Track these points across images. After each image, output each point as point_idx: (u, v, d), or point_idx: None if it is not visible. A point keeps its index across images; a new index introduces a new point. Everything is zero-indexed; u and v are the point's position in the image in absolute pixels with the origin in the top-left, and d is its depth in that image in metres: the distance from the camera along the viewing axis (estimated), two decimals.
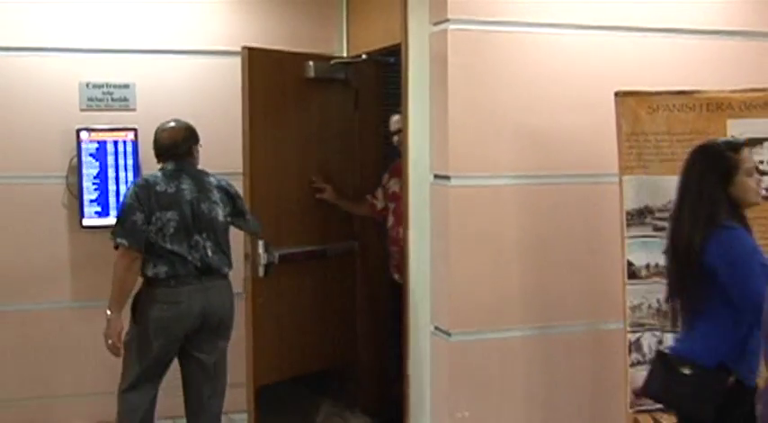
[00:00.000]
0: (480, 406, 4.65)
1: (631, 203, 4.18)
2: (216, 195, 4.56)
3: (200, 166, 4.73)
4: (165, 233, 4.38)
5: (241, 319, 5.02)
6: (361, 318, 5.80)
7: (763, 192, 3.93)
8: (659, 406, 4.08)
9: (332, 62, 5.50)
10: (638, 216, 4.18)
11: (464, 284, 4.58)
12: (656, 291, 4.11)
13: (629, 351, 4.19)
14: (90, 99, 5.54)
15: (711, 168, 3.37)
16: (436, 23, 4.61)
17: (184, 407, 4.65)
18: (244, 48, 5.10)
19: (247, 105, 5.07)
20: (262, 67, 5.13)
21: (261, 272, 5.07)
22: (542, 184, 4.69)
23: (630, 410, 4.19)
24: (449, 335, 4.60)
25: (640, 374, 4.10)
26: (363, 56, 5.55)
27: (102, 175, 5.51)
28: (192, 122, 4.74)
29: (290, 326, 5.27)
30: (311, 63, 5.38)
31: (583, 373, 4.80)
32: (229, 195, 4.62)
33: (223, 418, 4.91)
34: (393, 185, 5.29)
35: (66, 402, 5.53)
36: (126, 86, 5.61)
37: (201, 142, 4.70)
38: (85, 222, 5.43)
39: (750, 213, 3.91)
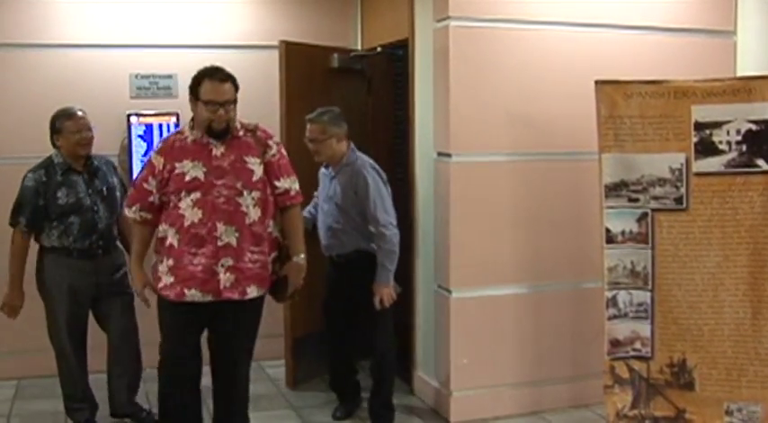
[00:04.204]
0: (477, 354, 4.78)
1: (609, 178, 4.18)
2: None
3: None
4: None
5: None
6: None
7: (722, 168, 4.04)
8: (633, 354, 4.22)
9: (351, 55, 5.56)
10: (615, 189, 4.18)
11: (463, 248, 4.69)
12: (630, 254, 4.19)
13: (607, 307, 4.22)
14: (138, 88, 5.64)
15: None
16: (439, 20, 4.71)
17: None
18: (281, 41, 5.16)
19: (284, 91, 5.11)
20: (295, 59, 5.18)
21: None
22: (532, 161, 4.79)
23: (607, 358, 4.24)
24: (450, 292, 4.72)
25: (616, 327, 4.23)
26: (378, 49, 5.57)
27: (149, 153, 5.59)
28: None
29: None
30: (336, 55, 5.45)
31: (566, 326, 4.91)
32: None
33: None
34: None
35: None
36: (169, 77, 5.69)
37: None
38: None
39: (710, 187, 4.02)
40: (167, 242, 3.82)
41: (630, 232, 4.19)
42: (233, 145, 3.87)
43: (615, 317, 4.23)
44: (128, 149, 5.53)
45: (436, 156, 4.80)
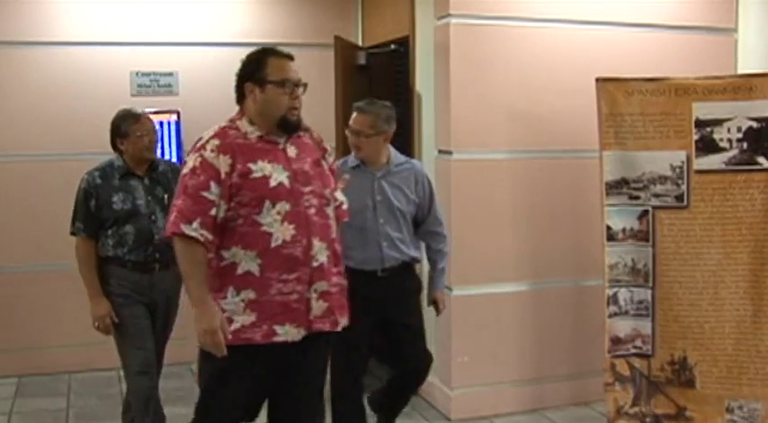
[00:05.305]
0: (478, 351, 4.77)
1: (610, 175, 4.19)
2: None
3: None
4: None
5: None
6: None
7: (723, 165, 4.03)
8: (634, 351, 4.22)
9: (368, 52, 5.60)
10: (616, 186, 4.19)
11: (464, 245, 4.67)
12: (631, 252, 4.20)
13: (608, 304, 4.23)
14: (139, 85, 5.66)
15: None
16: (440, 18, 4.70)
17: None
18: (336, 37, 5.16)
19: (340, 89, 5.09)
20: (344, 55, 5.20)
21: None
22: (533, 159, 4.78)
23: (608, 355, 4.25)
24: (450, 290, 4.70)
25: (617, 325, 4.23)
26: (392, 46, 5.41)
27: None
28: (225, 106, 4.72)
29: None
30: (363, 52, 5.50)
31: (567, 324, 4.91)
32: None
33: None
34: None
35: None
36: (170, 74, 5.71)
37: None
38: None
39: (711, 185, 4.02)
40: (239, 270, 2.96)
41: (631, 230, 4.20)
42: (300, 145, 3.10)
43: (616, 314, 4.23)
44: None
45: (437, 153, 4.80)
